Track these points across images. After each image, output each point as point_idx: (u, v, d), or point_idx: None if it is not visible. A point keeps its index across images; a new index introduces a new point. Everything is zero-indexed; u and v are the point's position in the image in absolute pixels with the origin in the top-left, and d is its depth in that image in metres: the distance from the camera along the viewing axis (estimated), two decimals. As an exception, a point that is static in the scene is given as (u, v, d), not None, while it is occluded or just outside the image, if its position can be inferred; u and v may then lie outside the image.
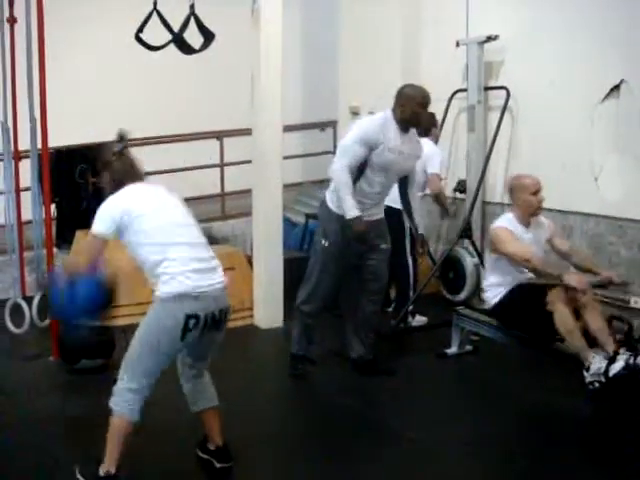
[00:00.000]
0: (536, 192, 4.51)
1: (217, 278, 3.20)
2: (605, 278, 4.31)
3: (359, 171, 4.43)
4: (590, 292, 4.16)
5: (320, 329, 4.94)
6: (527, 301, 4.33)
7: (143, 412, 3.16)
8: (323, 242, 4.59)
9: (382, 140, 4.36)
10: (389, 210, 5.02)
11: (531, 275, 4.50)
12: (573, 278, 4.14)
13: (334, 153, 4.99)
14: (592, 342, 4.07)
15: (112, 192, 3.22)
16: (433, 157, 5.67)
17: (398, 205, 5.21)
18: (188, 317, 3.05)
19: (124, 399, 3.12)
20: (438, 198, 6.01)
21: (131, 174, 3.29)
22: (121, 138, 3.37)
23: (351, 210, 4.34)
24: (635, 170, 5.18)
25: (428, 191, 5.88)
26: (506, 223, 4.55)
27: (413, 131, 4.61)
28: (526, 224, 4.56)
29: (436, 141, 5.99)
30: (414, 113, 4.44)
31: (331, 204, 4.58)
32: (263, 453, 3.76)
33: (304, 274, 4.76)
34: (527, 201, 4.52)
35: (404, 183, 4.81)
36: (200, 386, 3.43)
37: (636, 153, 5.17)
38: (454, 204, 6.68)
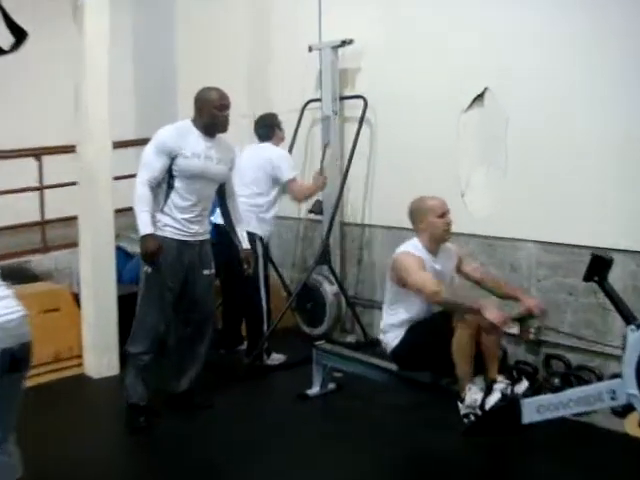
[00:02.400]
0: (443, 214, 4.12)
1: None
2: (525, 310, 4.05)
3: (168, 186, 4.33)
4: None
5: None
6: (432, 335, 3.99)
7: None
8: (145, 269, 4.35)
9: (182, 146, 4.30)
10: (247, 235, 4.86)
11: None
12: (491, 313, 3.74)
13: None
14: (479, 364, 3.91)
15: None
16: (280, 162, 5.38)
17: (253, 230, 5.11)
18: None
19: None
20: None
21: None
22: None
23: (144, 227, 4.24)
24: (501, 185, 5.07)
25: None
26: (412, 249, 4.13)
27: (222, 137, 4.53)
28: (434, 252, 4.17)
29: (280, 143, 5.69)
30: (212, 116, 4.38)
31: None
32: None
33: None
34: (433, 224, 4.11)
35: (222, 195, 4.68)
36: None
37: (502, 166, 5.05)
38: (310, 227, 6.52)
